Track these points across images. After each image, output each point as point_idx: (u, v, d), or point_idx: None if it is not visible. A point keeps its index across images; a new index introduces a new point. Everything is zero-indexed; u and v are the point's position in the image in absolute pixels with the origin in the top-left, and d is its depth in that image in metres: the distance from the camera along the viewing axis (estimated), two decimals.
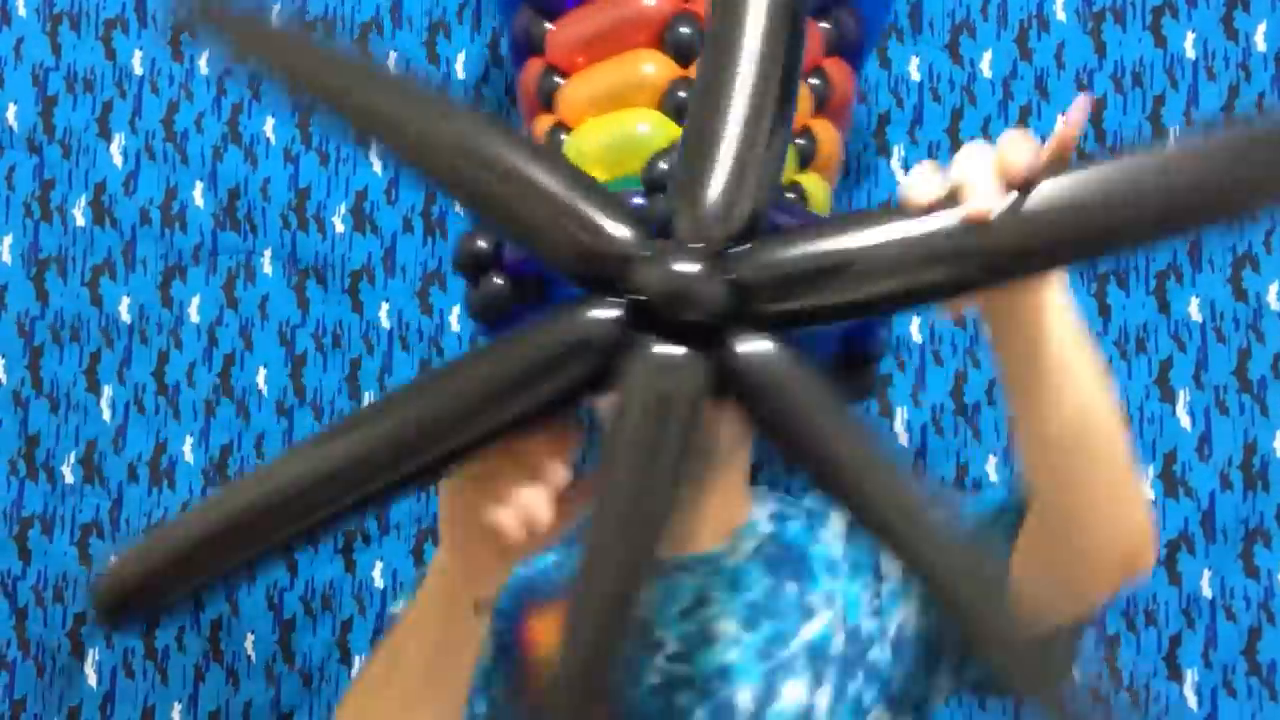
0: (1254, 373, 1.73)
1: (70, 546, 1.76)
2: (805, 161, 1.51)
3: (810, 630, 1.18)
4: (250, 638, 1.74)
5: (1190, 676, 1.70)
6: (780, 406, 0.82)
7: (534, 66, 1.56)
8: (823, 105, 1.53)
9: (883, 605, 1.19)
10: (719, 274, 0.81)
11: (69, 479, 1.78)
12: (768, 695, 1.15)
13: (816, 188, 1.52)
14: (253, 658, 1.74)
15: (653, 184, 1.32)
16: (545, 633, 1.21)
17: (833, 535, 1.25)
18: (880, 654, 1.17)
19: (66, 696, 1.74)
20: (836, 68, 1.55)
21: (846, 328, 1.45)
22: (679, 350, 0.81)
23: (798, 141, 1.50)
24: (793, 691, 1.15)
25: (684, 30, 1.43)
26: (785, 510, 1.31)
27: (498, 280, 1.45)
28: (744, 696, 1.15)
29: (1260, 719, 1.68)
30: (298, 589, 1.74)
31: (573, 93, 1.50)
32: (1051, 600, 0.99)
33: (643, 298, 0.81)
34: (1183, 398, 1.74)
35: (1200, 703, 1.69)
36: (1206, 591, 1.71)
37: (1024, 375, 0.92)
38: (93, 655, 1.74)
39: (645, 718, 1.15)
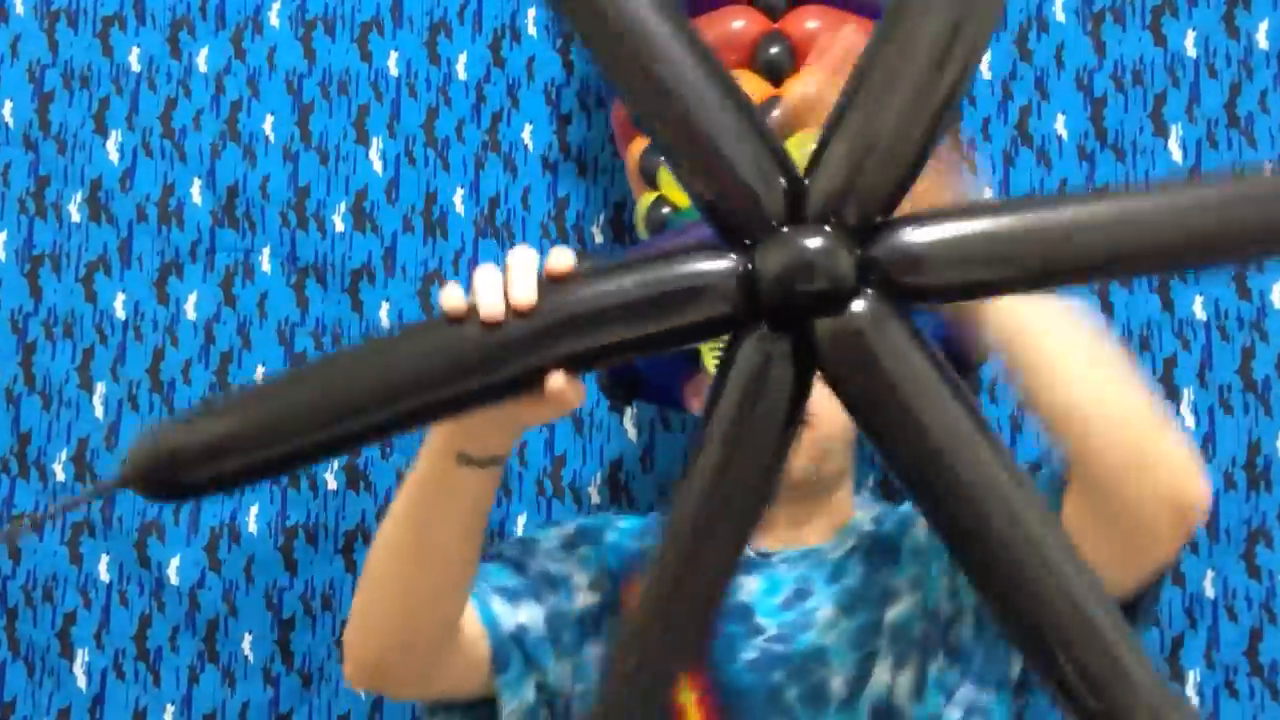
0: (1258, 372, 1.74)
1: (61, 546, 1.72)
2: None
3: (894, 612, 1.20)
4: (248, 637, 1.70)
5: (1192, 677, 1.69)
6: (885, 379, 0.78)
7: None
8: None
9: (960, 584, 1.20)
10: (842, 249, 0.77)
11: (60, 477, 1.74)
12: (860, 681, 1.16)
13: None
14: (250, 658, 1.70)
15: None
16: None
17: (922, 526, 1.27)
18: (963, 633, 1.18)
19: (55, 698, 1.70)
20: None
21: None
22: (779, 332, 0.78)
23: None
24: (880, 675, 1.16)
25: (774, 50, 1.50)
26: (886, 514, 1.34)
27: None
28: (838, 681, 1.17)
29: None
30: (297, 588, 1.72)
31: None
32: (1115, 559, 1.00)
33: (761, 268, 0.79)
34: (1186, 396, 1.74)
35: (1202, 703, 1.68)
36: (1209, 592, 1.70)
37: (1024, 368, 1.00)
38: (82, 656, 1.70)
39: (741, 693, 1.17)
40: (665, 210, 1.53)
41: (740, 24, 1.50)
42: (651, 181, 1.55)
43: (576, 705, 1.19)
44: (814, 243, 0.77)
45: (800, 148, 1.42)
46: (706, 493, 0.79)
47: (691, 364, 1.37)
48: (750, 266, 0.78)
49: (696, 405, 1.39)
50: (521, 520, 1.73)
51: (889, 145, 0.77)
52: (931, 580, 1.21)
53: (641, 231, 1.58)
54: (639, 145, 1.57)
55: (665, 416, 1.76)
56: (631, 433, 1.78)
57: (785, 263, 0.77)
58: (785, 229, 0.78)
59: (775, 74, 1.50)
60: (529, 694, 1.19)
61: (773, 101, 1.46)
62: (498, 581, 1.23)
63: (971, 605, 1.18)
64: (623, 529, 1.33)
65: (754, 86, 1.48)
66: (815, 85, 1.46)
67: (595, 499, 1.77)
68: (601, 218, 1.84)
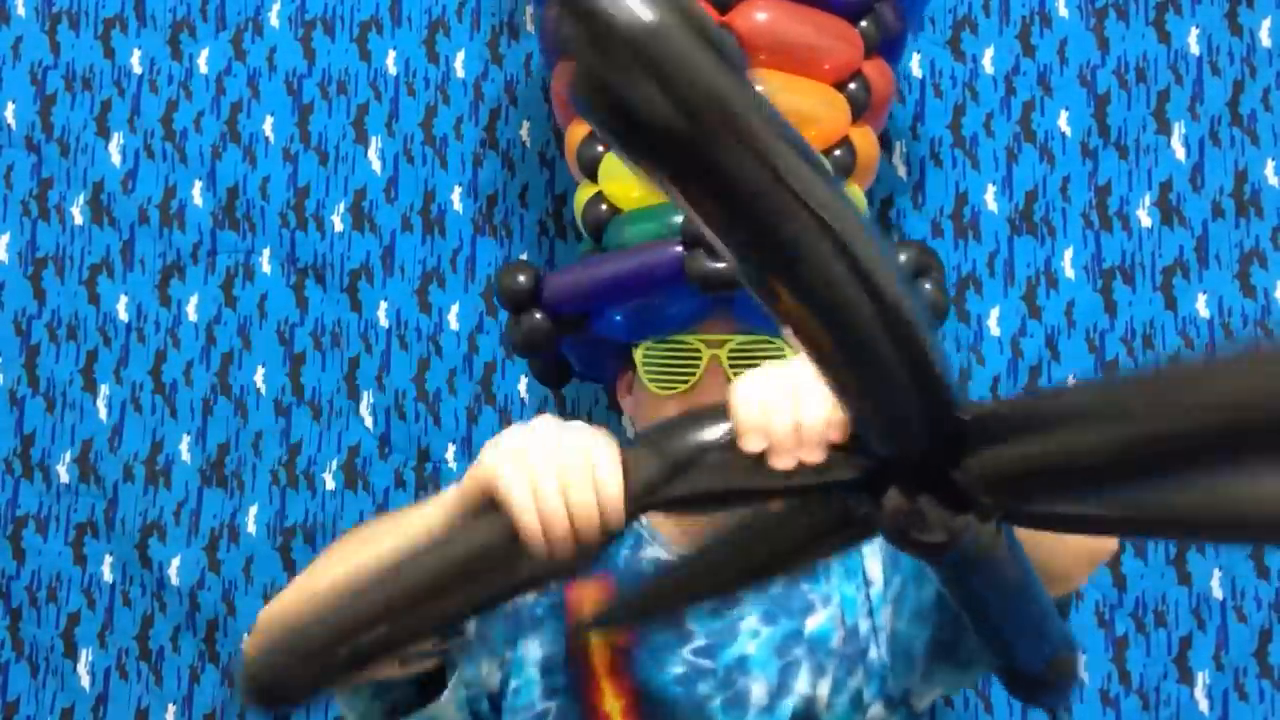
0: None
1: (65, 546, 1.74)
2: (844, 174, 1.48)
3: (813, 624, 1.23)
4: (246, 639, 1.71)
5: (1201, 679, 1.67)
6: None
7: (566, 71, 1.53)
8: (861, 111, 1.50)
9: (873, 607, 1.23)
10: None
11: (64, 478, 1.76)
12: (780, 689, 1.19)
13: (853, 200, 1.50)
14: None
15: (693, 237, 1.34)
16: (585, 599, 1.25)
17: None
18: (877, 653, 1.21)
19: (59, 698, 1.72)
20: (875, 69, 1.52)
21: None
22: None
23: (835, 154, 1.47)
24: (800, 684, 1.19)
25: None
26: None
27: (538, 315, 1.46)
28: (759, 689, 1.19)
29: None
30: None
31: None
32: None
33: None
34: None
35: (1212, 706, 1.66)
36: (1217, 592, 1.68)
37: None
38: (86, 656, 1.72)
39: (668, 703, 1.19)
40: (604, 208, 1.48)
41: None
42: (590, 173, 1.49)
43: (509, 701, 1.21)
44: (939, 515, 0.77)
45: None
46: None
47: (623, 361, 1.37)
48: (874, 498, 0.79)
49: (628, 402, 1.40)
50: None
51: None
52: (848, 598, 1.24)
53: (580, 224, 1.55)
54: (578, 132, 1.51)
55: None
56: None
57: (905, 519, 0.78)
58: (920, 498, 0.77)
59: None
60: (459, 692, 1.20)
61: None
62: None
63: (884, 626, 1.21)
64: None
65: None
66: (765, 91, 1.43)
67: None
68: None
